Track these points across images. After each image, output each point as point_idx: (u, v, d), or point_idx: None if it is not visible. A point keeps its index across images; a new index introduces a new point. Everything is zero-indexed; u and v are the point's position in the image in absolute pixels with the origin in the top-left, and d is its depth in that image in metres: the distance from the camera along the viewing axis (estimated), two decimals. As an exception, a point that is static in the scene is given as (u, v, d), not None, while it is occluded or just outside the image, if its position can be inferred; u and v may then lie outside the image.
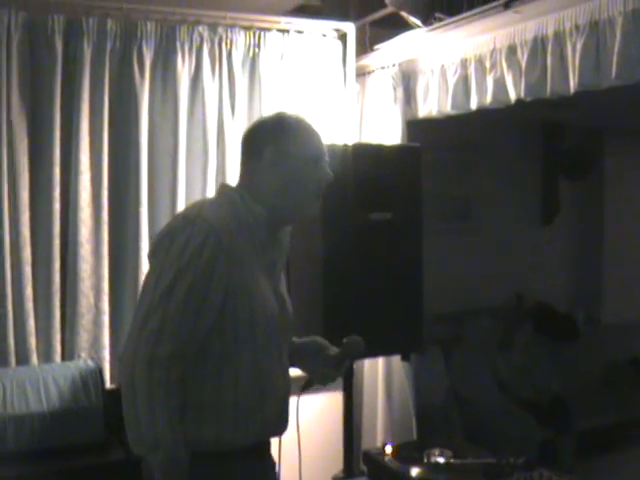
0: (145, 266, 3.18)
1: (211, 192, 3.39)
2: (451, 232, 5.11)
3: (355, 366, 3.32)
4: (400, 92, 3.64)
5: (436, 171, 4.73)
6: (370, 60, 3.84)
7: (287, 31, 3.65)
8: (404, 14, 3.51)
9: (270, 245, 1.96)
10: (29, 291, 3.16)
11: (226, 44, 3.53)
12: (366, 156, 3.05)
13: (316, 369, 2.10)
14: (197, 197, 3.39)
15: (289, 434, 2.06)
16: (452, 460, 3.02)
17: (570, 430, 4.68)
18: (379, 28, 3.89)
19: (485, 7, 3.07)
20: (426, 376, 4.22)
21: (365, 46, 3.87)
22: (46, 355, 3.21)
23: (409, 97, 3.67)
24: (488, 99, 3.17)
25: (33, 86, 3.19)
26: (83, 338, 3.27)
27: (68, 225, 3.26)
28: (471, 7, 3.18)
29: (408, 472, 3.01)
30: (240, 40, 3.55)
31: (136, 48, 3.34)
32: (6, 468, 2.73)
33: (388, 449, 3.15)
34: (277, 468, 2.09)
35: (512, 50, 3.02)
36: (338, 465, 3.28)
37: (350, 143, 3.19)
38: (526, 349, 5.08)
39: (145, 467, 1.83)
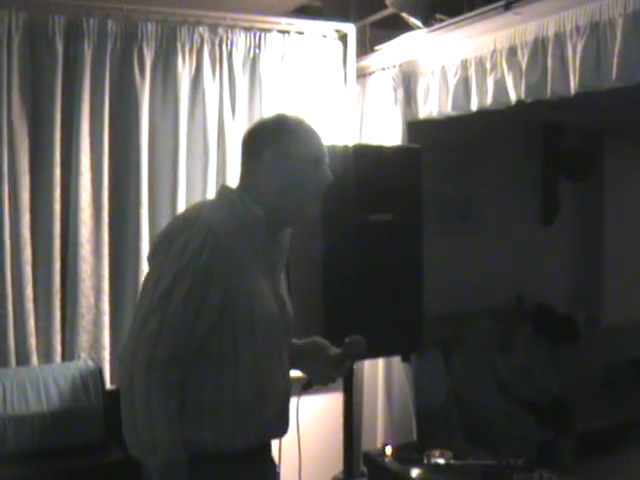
0: (145, 267, 3.18)
1: (211, 193, 3.39)
2: (451, 233, 5.11)
3: (355, 367, 3.32)
4: (400, 93, 3.64)
5: (436, 172, 4.73)
6: (370, 61, 3.85)
7: (288, 32, 3.65)
8: (405, 15, 3.51)
9: (270, 246, 1.96)
10: (29, 291, 3.16)
11: (226, 45, 3.53)
12: (366, 157, 3.06)
13: (317, 370, 2.10)
14: (197, 198, 3.40)
15: (289, 435, 2.06)
16: (452, 461, 3.02)
17: (570, 431, 4.68)
18: (379, 29, 3.89)
19: (486, 8, 3.07)
20: (426, 377, 4.22)
21: (365, 47, 3.87)
22: (46, 355, 3.21)
23: (409, 98, 3.67)
24: (488, 100, 3.17)
25: (34, 87, 3.19)
26: (83, 338, 3.27)
27: (68, 226, 3.26)
28: (472, 8, 3.18)
29: (408, 473, 3.01)
30: (240, 41, 3.56)
31: (136, 49, 3.34)
32: (6, 468, 2.73)
33: (388, 450, 3.16)
34: (277, 469, 2.09)
35: (512, 51, 3.02)
36: (338, 466, 3.28)
37: (350, 144, 3.19)
38: (526, 350, 5.08)
39: (145, 468, 1.83)
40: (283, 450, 2.08)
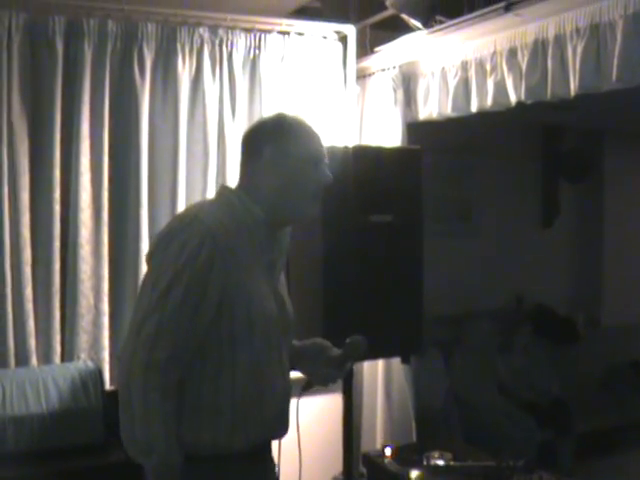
0: (145, 267, 3.18)
1: (211, 194, 3.39)
2: (451, 234, 5.11)
3: (355, 368, 3.31)
4: (400, 94, 3.64)
5: (436, 173, 4.74)
6: (370, 62, 3.85)
7: (288, 33, 3.66)
8: (405, 16, 3.51)
9: (269, 246, 1.96)
10: (29, 292, 3.16)
11: (227, 46, 3.53)
12: (366, 158, 3.05)
13: (317, 370, 2.10)
14: (197, 199, 3.39)
15: (289, 435, 2.06)
16: (452, 463, 3.02)
17: (570, 432, 4.68)
18: (379, 30, 3.89)
19: (486, 10, 3.07)
20: (426, 378, 4.22)
21: (365, 48, 3.87)
22: (46, 356, 3.21)
23: (409, 99, 3.67)
24: (489, 102, 3.17)
25: (34, 87, 3.19)
26: (83, 339, 3.27)
27: (68, 226, 3.26)
28: (472, 10, 3.18)
29: (408, 475, 3.01)
30: (241, 42, 3.56)
31: (137, 49, 3.34)
32: (6, 469, 2.74)
33: (388, 451, 3.15)
34: (277, 470, 2.09)
35: (513, 53, 3.02)
36: (337, 467, 3.27)
37: (350, 145, 3.19)
38: (526, 351, 5.09)
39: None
40: (283, 451, 2.07)
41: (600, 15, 2.63)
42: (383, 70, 3.76)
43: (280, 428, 2.00)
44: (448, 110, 3.40)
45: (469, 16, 3.17)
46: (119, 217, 3.37)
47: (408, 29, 3.54)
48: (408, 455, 3.13)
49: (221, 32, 3.51)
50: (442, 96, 3.44)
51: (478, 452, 3.20)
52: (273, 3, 3.74)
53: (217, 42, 3.51)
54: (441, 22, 3.35)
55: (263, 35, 3.60)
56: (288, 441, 2.08)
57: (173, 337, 1.75)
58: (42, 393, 2.94)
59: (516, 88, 3.01)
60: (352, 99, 3.81)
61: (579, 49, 2.71)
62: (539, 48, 2.90)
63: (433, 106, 3.50)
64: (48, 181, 3.20)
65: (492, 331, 5.08)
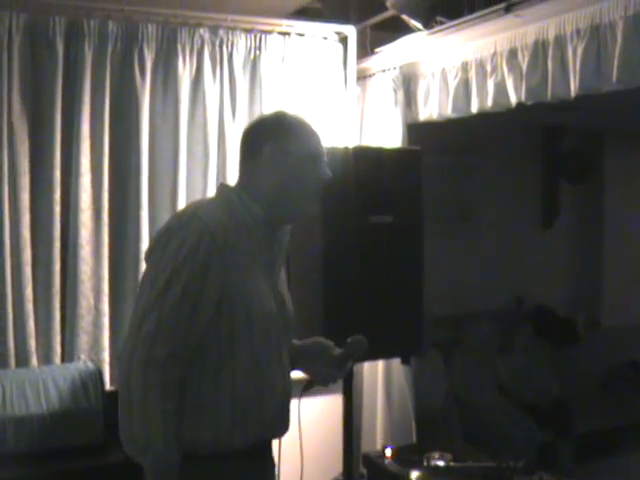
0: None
1: (212, 194, 3.39)
2: (451, 235, 5.11)
3: (355, 369, 3.32)
4: (401, 95, 3.64)
5: (437, 174, 4.73)
6: (371, 63, 3.85)
7: (288, 34, 3.66)
8: (405, 17, 3.51)
9: (269, 244, 1.96)
10: (29, 292, 3.16)
11: (227, 46, 3.53)
12: (367, 159, 3.05)
13: (318, 370, 2.10)
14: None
15: (289, 436, 2.06)
16: (452, 463, 3.02)
17: (570, 433, 4.68)
18: (380, 31, 3.89)
19: (486, 11, 3.08)
20: (426, 379, 4.22)
21: (366, 49, 3.87)
22: (46, 357, 3.21)
23: (410, 100, 3.67)
24: (489, 102, 3.17)
25: (34, 88, 3.19)
26: (83, 340, 3.27)
27: (68, 227, 3.26)
28: (472, 11, 3.18)
29: (408, 475, 3.01)
30: (241, 43, 3.56)
31: (137, 50, 3.34)
32: (6, 469, 2.74)
33: (388, 452, 3.15)
34: (276, 470, 2.08)
35: (513, 54, 3.02)
36: (338, 468, 3.28)
37: (351, 146, 3.19)
38: (526, 352, 5.08)
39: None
40: (283, 451, 2.07)
41: (600, 16, 2.63)
42: (383, 71, 3.76)
43: (280, 427, 2.00)
44: (448, 111, 3.40)
45: (469, 17, 3.17)
46: (119, 218, 3.37)
47: (408, 30, 3.54)
48: (408, 456, 3.12)
49: (221, 33, 3.51)
50: (442, 97, 3.44)
51: (478, 453, 3.20)
52: (273, 4, 3.74)
53: (217, 43, 3.51)
54: (441, 23, 3.35)
55: (263, 36, 3.60)
56: (288, 441, 2.08)
57: (172, 335, 1.75)
58: (42, 394, 2.94)
59: (516, 89, 3.01)
60: (352, 100, 3.81)
61: (579, 50, 2.71)
62: (539, 49, 2.90)
63: (433, 107, 3.50)
64: (48, 182, 3.20)
65: (492, 332, 5.07)
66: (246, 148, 1.99)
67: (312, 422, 2.32)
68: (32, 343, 3.17)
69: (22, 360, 3.15)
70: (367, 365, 3.82)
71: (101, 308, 3.29)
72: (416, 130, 3.71)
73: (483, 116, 3.33)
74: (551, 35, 2.84)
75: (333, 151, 2.89)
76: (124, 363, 1.77)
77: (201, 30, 3.47)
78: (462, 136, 4.65)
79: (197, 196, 3.45)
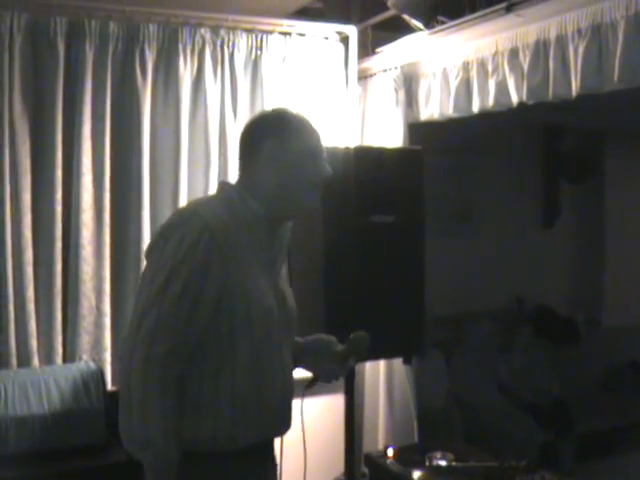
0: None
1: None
2: (452, 234, 5.11)
3: (357, 369, 3.32)
4: (402, 95, 3.65)
5: (438, 174, 4.73)
6: (372, 63, 3.85)
7: (289, 34, 3.66)
8: (406, 17, 3.51)
9: (270, 241, 1.95)
10: (31, 293, 3.16)
11: (228, 46, 3.53)
12: (368, 159, 3.05)
13: (321, 367, 2.10)
14: (199, 199, 3.39)
15: (291, 435, 2.05)
16: (454, 463, 3.02)
17: (571, 433, 4.67)
18: (381, 31, 3.90)
19: (487, 10, 3.08)
20: (427, 379, 4.21)
21: (367, 49, 3.87)
22: (47, 357, 3.21)
23: (411, 100, 3.68)
24: (490, 102, 3.17)
25: (35, 88, 3.19)
26: (84, 340, 3.27)
27: (70, 227, 3.26)
28: (473, 10, 3.19)
29: (410, 475, 3.01)
30: (242, 43, 3.56)
31: (138, 50, 3.35)
32: (7, 469, 2.74)
33: (389, 452, 3.15)
34: (278, 470, 2.08)
35: (514, 53, 3.02)
36: (339, 467, 3.27)
37: (352, 146, 3.19)
38: (526, 352, 5.08)
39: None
40: (285, 451, 2.07)
41: (602, 15, 2.63)
42: (385, 71, 3.76)
43: (282, 425, 2.00)
44: (449, 111, 3.40)
45: (470, 17, 3.18)
46: (121, 218, 3.37)
47: (409, 30, 3.54)
48: (410, 455, 3.13)
49: (223, 33, 3.52)
50: (443, 96, 3.44)
51: (480, 452, 3.20)
52: (275, 4, 3.74)
53: (219, 43, 3.51)
54: (442, 23, 3.36)
55: (265, 36, 3.60)
56: (290, 441, 2.07)
57: (172, 332, 1.75)
58: (44, 394, 2.94)
59: (518, 88, 3.01)
60: (354, 100, 3.81)
61: (581, 49, 2.71)
62: (541, 48, 2.90)
63: (434, 106, 3.50)
64: (50, 182, 3.20)
65: (493, 331, 5.07)
66: (246, 145, 1.99)
67: (314, 422, 2.32)
68: (34, 343, 3.17)
69: (24, 360, 3.15)
70: (369, 365, 3.82)
71: (102, 308, 3.29)
72: (417, 130, 3.71)
73: (484, 116, 3.33)
74: (552, 34, 2.84)
75: (334, 151, 2.89)
76: (124, 360, 1.78)
77: (202, 30, 3.47)
78: (463, 136, 4.65)
79: (198, 196, 3.44)
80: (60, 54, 3.20)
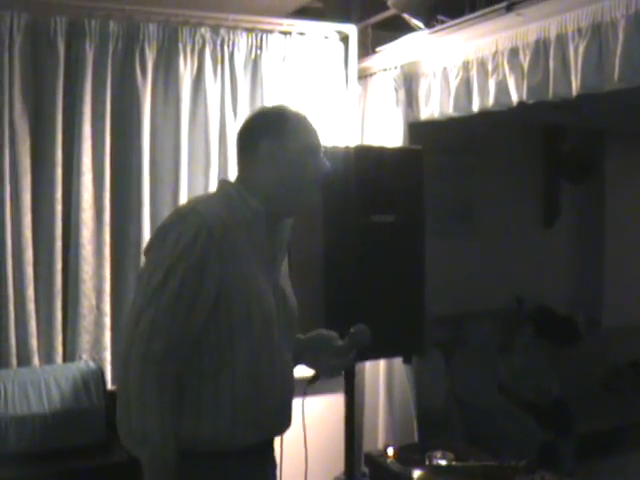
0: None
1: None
2: (452, 234, 5.11)
3: (357, 368, 3.32)
4: (402, 94, 3.64)
5: (438, 173, 4.73)
6: (372, 62, 3.85)
7: (289, 33, 3.66)
8: (406, 16, 3.52)
9: (270, 239, 1.95)
10: (31, 292, 3.16)
11: (228, 46, 3.53)
12: (368, 158, 3.05)
13: (322, 362, 2.10)
14: (199, 199, 3.39)
15: (289, 435, 2.05)
16: (454, 463, 3.02)
17: (571, 433, 4.68)
18: (381, 30, 3.90)
19: (487, 10, 3.08)
20: (427, 378, 4.22)
21: (367, 48, 3.87)
22: (47, 356, 3.21)
23: (411, 99, 3.68)
24: (490, 102, 3.17)
25: (35, 87, 3.19)
26: (84, 339, 3.27)
27: (70, 226, 3.26)
28: (473, 10, 3.19)
29: (409, 474, 3.01)
30: (242, 42, 3.56)
31: (138, 50, 3.35)
32: (7, 469, 2.74)
33: (389, 451, 3.16)
34: (277, 469, 2.08)
35: (514, 53, 3.02)
36: (339, 467, 3.27)
37: (352, 145, 3.19)
38: (527, 351, 5.08)
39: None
40: (285, 450, 2.07)
41: (602, 15, 2.63)
42: (385, 70, 3.76)
43: (281, 424, 2.00)
44: (450, 110, 3.40)
45: (470, 16, 3.18)
46: (121, 217, 3.37)
47: (410, 29, 3.54)
48: (410, 455, 3.13)
49: (223, 32, 3.52)
50: (444, 96, 3.44)
51: (480, 452, 3.20)
52: (275, 3, 3.74)
53: (219, 42, 3.51)
54: (442, 22, 3.36)
55: (265, 35, 3.60)
56: (291, 440, 2.07)
57: (169, 329, 1.75)
58: (44, 393, 2.94)
59: (518, 88, 3.01)
60: (354, 99, 3.81)
61: (581, 49, 2.71)
62: (541, 48, 2.90)
63: (435, 106, 3.50)
64: (50, 181, 3.20)
65: (493, 331, 5.07)
66: (244, 143, 1.99)
67: (314, 421, 2.32)
68: (34, 343, 3.17)
69: (24, 360, 3.15)
70: (369, 364, 3.82)
71: (102, 308, 3.29)
72: (417, 129, 3.71)
73: (484, 115, 3.33)
74: (552, 34, 2.84)
75: (334, 150, 2.89)
76: (122, 357, 1.78)
77: (202, 29, 3.47)
78: (463, 135, 4.65)
79: (199, 194, 3.45)
80: (60, 54, 3.20)
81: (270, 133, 1.92)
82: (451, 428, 4.37)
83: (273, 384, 1.91)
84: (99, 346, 3.29)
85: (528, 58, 2.95)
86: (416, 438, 3.72)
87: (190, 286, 1.77)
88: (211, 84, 3.49)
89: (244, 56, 3.57)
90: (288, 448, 2.07)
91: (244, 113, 3.56)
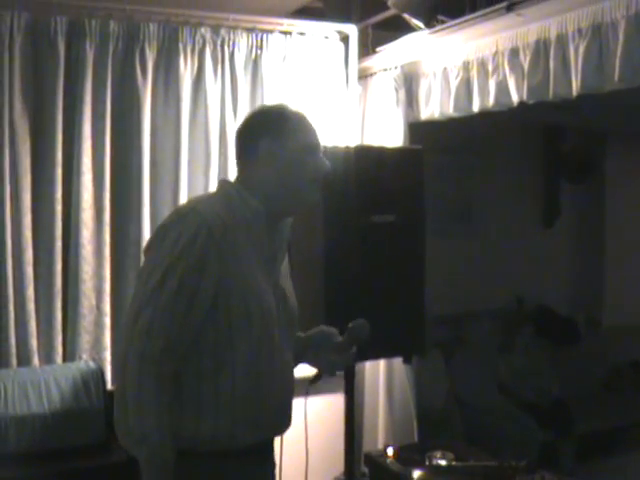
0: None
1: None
2: (452, 234, 5.11)
3: (357, 368, 3.32)
4: (402, 94, 3.64)
5: (438, 173, 4.73)
6: (372, 62, 3.85)
7: (289, 33, 3.66)
8: (406, 16, 3.52)
9: (270, 238, 1.95)
10: (31, 292, 3.16)
11: (228, 46, 3.53)
12: (368, 158, 3.05)
13: (323, 359, 2.09)
14: (199, 199, 3.39)
15: (289, 435, 2.05)
16: (454, 463, 3.02)
17: (571, 433, 4.67)
18: (381, 30, 3.90)
19: (487, 10, 3.08)
20: (427, 378, 4.22)
21: (367, 48, 3.87)
22: (47, 356, 3.21)
23: (411, 99, 3.67)
24: (490, 102, 3.17)
25: (35, 87, 3.19)
26: (84, 339, 3.27)
27: (70, 226, 3.26)
28: (473, 10, 3.19)
29: (409, 474, 3.01)
30: (242, 42, 3.56)
31: (138, 50, 3.35)
32: (7, 469, 2.74)
33: (389, 451, 3.15)
34: (277, 469, 2.08)
35: (515, 53, 3.02)
36: (339, 467, 3.27)
37: (352, 145, 3.19)
38: (527, 352, 5.08)
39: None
40: (285, 450, 2.07)
41: (602, 15, 2.63)
42: (385, 70, 3.75)
43: (281, 425, 2.00)
44: (450, 110, 3.40)
45: (471, 16, 3.18)
46: (121, 217, 3.37)
47: (410, 29, 3.54)
48: (410, 455, 3.13)
49: (223, 32, 3.51)
50: (444, 96, 3.43)
51: (480, 452, 3.20)
52: (275, 3, 3.74)
53: (219, 42, 3.51)
54: (443, 22, 3.36)
55: (265, 35, 3.60)
56: (289, 441, 2.07)
57: (167, 328, 1.75)
58: (44, 393, 2.94)
59: (518, 88, 3.01)
60: (354, 99, 3.81)
61: (581, 49, 2.71)
62: (541, 48, 2.89)
63: (435, 106, 3.50)
64: (50, 181, 3.20)
65: (493, 331, 5.07)
66: (243, 142, 1.99)
67: (314, 421, 2.32)
68: (34, 343, 3.17)
69: (24, 360, 3.15)
70: (369, 364, 3.82)
71: (102, 308, 3.29)
72: (417, 129, 3.71)
73: (485, 115, 3.33)
74: (553, 34, 2.84)
75: (334, 150, 2.90)
76: (120, 356, 1.78)
77: (202, 29, 3.47)
78: (464, 135, 4.65)
79: (199, 194, 3.45)
80: (60, 53, 3.20)
81: (270, 132, 1.92)
82: (451, 428, 4.37)
83: (273, 384, 1.91)
84: (99, 346, 3.29)
85: (528, 58, 2.95)
86: (416, 438, 3.72)
87: (189, 286, 1.77)
88: (211, 84, 3.49)
89: (244, 56, 3.57)
90: (288, 448, 2.07)
91: (244, 113, 3.55)
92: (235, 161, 2.02)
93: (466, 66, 3.29)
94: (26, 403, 2.89)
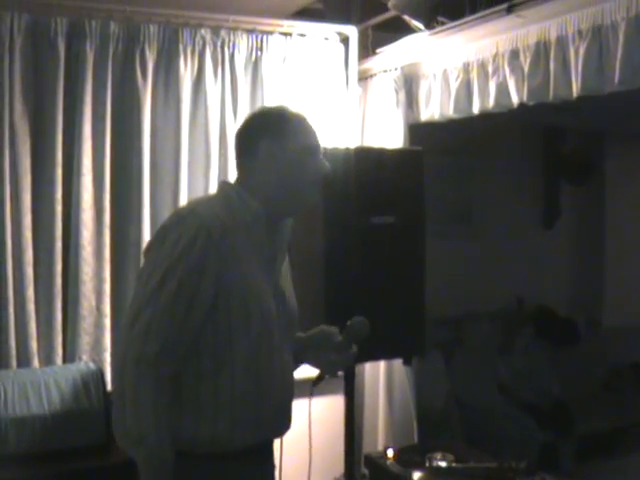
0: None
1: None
2: (453, 235, 5.11)
3: (357, 370, 3.32)
4: (402, 96, 3.64)
5: (438, 175, 4.73)
6: (372, 63, 3.85)
7: (289, 34, 3.66)
8: (407, 18, 3.51)
9: (270, 240, 1.95)
10: (30, 293, 3.16)
11: (229, 47, 3.53)
12: (368, 160, 3.05)
13: (324, 359, 2.09)
14: (199, 200, 3.40)
15: (289, 436, 2.05)
16: (454, 464, 3.02)
17: (571, 434, 4.68)
18: (381, 32, 3.90)
19: (488, 11, 3.08)
20: (427, 379, 4.22)
21: (367, 49, 3.88)
22: (47, 357, 3.21)
23: (411, 101, 3.67)
24: (490, 103, 3.17)
25: (36, 88, 3.19)
26: (84, 340, 3.27)
27: (70, 227, 3.26)
28: (474, 11, 3.18)
29: (410, 476, 3.01)
30: (243, 43, 3.56)
31: (139, 51, 3.35)
32: (7, 470, 2.74)
33: (389, 452, 3.15)
34: (277, 471, 2.08)
35: (515, 54, 3.02)
36: (339, 468, 3.27)
37: (352, 147, 3.19)
38: (527, 352, 5.08)
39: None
40: (285, 451, 2.07)
41: (602, 17, 2.63)
42: (385, 71, 3.76)
43: (281, 426, 2.00)
44: (450, 111, 3.40)
45: (471, 17, 3.18)
46: (121, 218, 3.37)
47: (410, 30, 3.54)
48: (410, 456, 3.12)
49: (223, 33, 3.52)
50: (444, 97, 3.43)
51: (480, 453, 3.20)
52: (275, 4, 3.74)
53: (219, 43, 3.51)
54: (443, 23, 3.36)
55: (265, 36, 3.60)
56: (289, 442, 2.07)
57: (166, 331, 1.76)
58: (44, 394, 2.94)
59: (518, 90, 3.01)
60: (354, 100, 3.81)
61: (581, 51, 2.71)
62: (541, 50, 2.90)
63: (435, 107, 3.50)
64: (50, 182, 3.20)
65: (493, 332, 5.07)
66: (243, 144, 1.99)
67: (314, 422, 2.32)
68: (33, 344, 3.17)
69: (23, 361, 3.15)
70: (369, 366, 3.82)
71: (102, 309, 3.29)
72: (418, 131, 3.71)
73: (485, 117, 3.32)
74: (553, 36, 2.84)
75: (334, 152, 2.90)
76: (118, 358, 1.79)
77: (203, 31, 3.47)
78: (464, 137, 4.65)
79: (199, 196, 3.45)
80: (60, 54, 3.20)
81: (270, 133, 1.92)
82: (451, 429, 4.37)
83: (273, 385, 1.91)
84: (99, 347, 3.29)
85: (528, 60, 2.95)
86: (416, 439, 3.71)
87: (188, 287, 1.77)
88: (211, 85, 3.49)
89: (244, 57, 3.57)
90: (288, 449, 2.07)
91: (244, 114, 3.55)
92: (235, 162, 2.02)
93: (466, 67, 3.29)
94: (26, 404, 2.88)
